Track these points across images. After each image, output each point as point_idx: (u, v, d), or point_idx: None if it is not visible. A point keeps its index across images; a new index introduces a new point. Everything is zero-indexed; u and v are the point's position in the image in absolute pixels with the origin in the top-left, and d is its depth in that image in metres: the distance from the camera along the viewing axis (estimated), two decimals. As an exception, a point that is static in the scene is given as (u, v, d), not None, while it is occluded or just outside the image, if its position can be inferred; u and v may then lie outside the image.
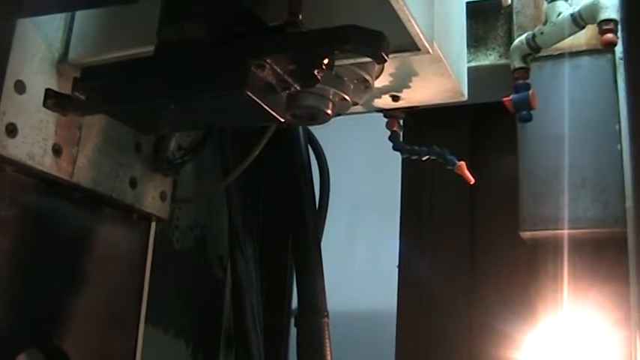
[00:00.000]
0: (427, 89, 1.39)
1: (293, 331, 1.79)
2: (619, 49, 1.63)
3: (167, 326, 1.78)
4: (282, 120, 1.07)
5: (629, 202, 1.50)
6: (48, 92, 1.12)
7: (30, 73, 1.25)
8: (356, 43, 0.95)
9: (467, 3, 1.52)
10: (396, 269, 2.08)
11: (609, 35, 1.49)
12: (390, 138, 1.53)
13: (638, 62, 0.86)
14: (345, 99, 1.23)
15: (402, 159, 1.89)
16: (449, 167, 1.48)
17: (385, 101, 1.45)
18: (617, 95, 1.66)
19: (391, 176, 2.18)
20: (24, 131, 1.23)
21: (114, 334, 1.48)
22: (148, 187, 1.55)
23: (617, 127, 1.63)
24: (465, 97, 1.44)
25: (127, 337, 1.52)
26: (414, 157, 1.53)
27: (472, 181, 1.48)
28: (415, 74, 1.33)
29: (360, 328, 2.46)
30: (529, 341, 1.62)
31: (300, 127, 1.90)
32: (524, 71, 1.65)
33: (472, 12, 1.73)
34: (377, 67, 1.26)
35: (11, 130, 1.20)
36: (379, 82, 1.34)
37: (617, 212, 1.59)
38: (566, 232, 1.62)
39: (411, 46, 1.13)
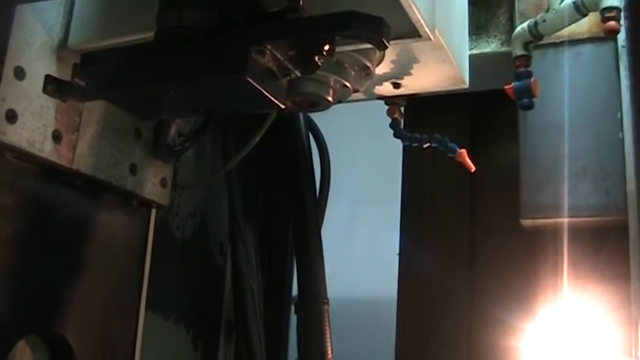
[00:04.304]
0: (428, 76, 1.39)
1: (293, 318, 1.79)
2: (621, 37, 1.62)
3: (167, 313, 1.78)
4: (283, 106, 1.07)
5: (630, 186, 1.50)
6: (48, 78, 1.12)
7: (30, 59, 1.25)
8: (357, 29, 0.95)
9: (469, -10, 1.51)
10: (397, 257, 2.09)
11: (612, 23, 1.47)
12: (391, 125, 1.53)
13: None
14: (346, 86, 1.23)
15: (403, 146, 1.89)
16: (450, 155, 1.48)
17: (386, 88, 1.45)
18: (619, 83, 1.65)
19: (392, 164, 2.18)
20: (24, 117, 1.23)
21: (114, 321, 1.49)
22: (148, 174, 1.55)
23: (619, 116, 1.63)
24: (467, 85, 1.43)
25: (128, 323, 1.53)
26: (414, 145, 1.53)
27: (473, 168, 1.47)
28: (416, 61, 1.33)
29: (360, 316, 2.46)
30: (529, 330, 1.62)
31: (301, 114, 1.89)
32: (526, 59, 1.64)
33: (474, -1, 1.72)
34: (378, 53, 1.26)
35: (11, 117, 1.20)
36: (380, 69, 1.33)
37: (618, 200, 1.59)
38: (566, 220, 1.62)
39: (412, 32, 1.12)
